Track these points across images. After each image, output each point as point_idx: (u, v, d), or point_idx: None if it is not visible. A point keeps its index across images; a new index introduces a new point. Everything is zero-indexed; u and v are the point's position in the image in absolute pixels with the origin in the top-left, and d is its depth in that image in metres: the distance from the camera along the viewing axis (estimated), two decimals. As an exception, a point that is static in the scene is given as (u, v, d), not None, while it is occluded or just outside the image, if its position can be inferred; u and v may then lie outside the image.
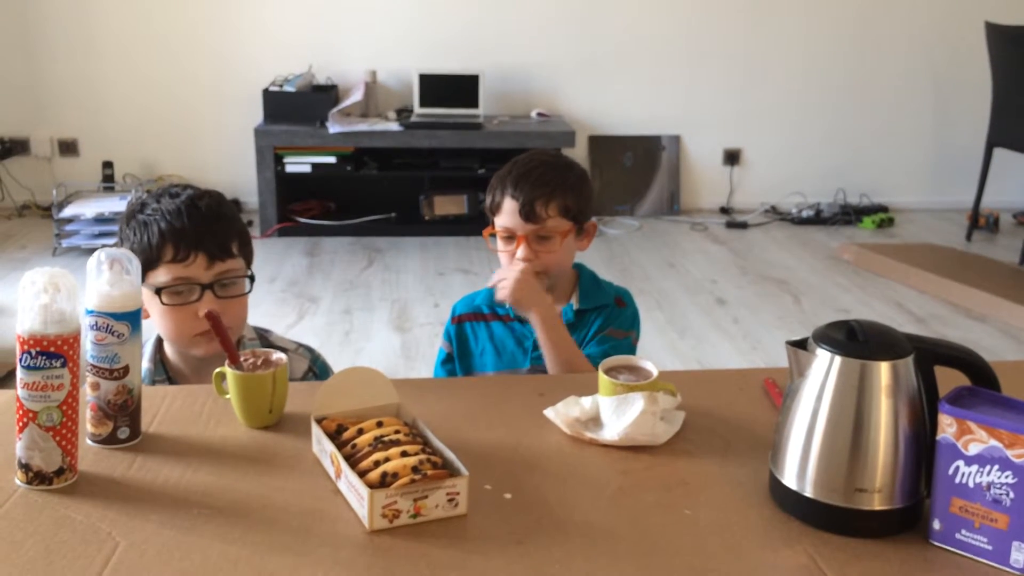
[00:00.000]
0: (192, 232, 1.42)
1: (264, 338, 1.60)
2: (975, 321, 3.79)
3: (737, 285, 4.20)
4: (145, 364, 1.52)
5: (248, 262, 1.53)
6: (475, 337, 1.75)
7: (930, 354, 1.04)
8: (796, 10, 5.23)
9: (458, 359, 1.76)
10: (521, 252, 1.64)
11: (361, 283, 4.13)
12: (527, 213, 1.63)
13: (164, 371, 1.53)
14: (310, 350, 1.60)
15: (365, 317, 3.73)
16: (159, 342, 1.54)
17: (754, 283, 4.23)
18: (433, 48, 5.04)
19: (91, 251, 1.14)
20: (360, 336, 3.53)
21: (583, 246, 1.73)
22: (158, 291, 1.43)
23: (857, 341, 1.02)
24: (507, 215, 1.65)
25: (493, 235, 1.70)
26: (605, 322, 1.70)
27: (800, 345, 1.06)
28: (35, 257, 4.31)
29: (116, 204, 4.44)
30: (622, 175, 5.27)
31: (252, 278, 1.50)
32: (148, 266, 1.42)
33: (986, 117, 4.71)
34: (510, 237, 1.66)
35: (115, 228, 4.26)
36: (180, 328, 1.45)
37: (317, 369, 1.58)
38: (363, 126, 4.72)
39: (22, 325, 1.04)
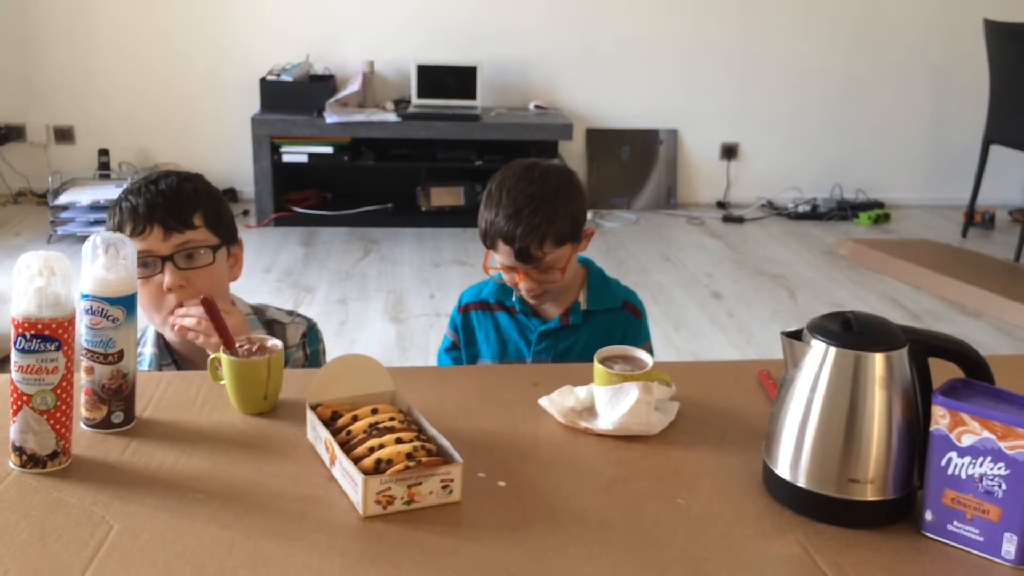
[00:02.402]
0: (145, 206, 1.46)
1: (261, 312, 1.62)
2: (970, 317, 3.80)
3: (733, 279, 4.20)
4: (150, 349, 1.55)
5: (224, 238, 1.53)
6: (480, 327, 1.75)
7: (924, 346, 1.04)
8: (795, 5, 5.23)
9: (464, 348, 1.76)
10: (525, 286, 1.62)
11: (357, 273, 4.12)
12: (523, 257, 1.59)
13: (170, 355, 1.56)
14: (306, 318, 1.65)
15: (360, 307, 3.73)
16: None
17: (750, 277, 4.24)
18: (431, 39, 5.03)
19: (86, 238, 1.14)
20: (355, 326, 3.53)
21: (582, 248, 1.70)
22: None
23: (852, 332, 1.02)
24: (504, 255, 1.62)
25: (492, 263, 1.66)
26: (626, 335, 1.68)
27: (795, 336, 1.06)
28: (30, 244, 4.30)
29: (112, 192, 4.42)
30: (619, 168, 5.27)
31: (216, 249, 1.50)
32: None
33: (983, 114, 4.71)
34: (511, 268, 1.63)
35: (111, 216, 4.28)
36: (151, 303, 1.47)
37: (311, 335, 1.62)
38: (360, 116, 4.71)
39: (17, 308, 1.03)
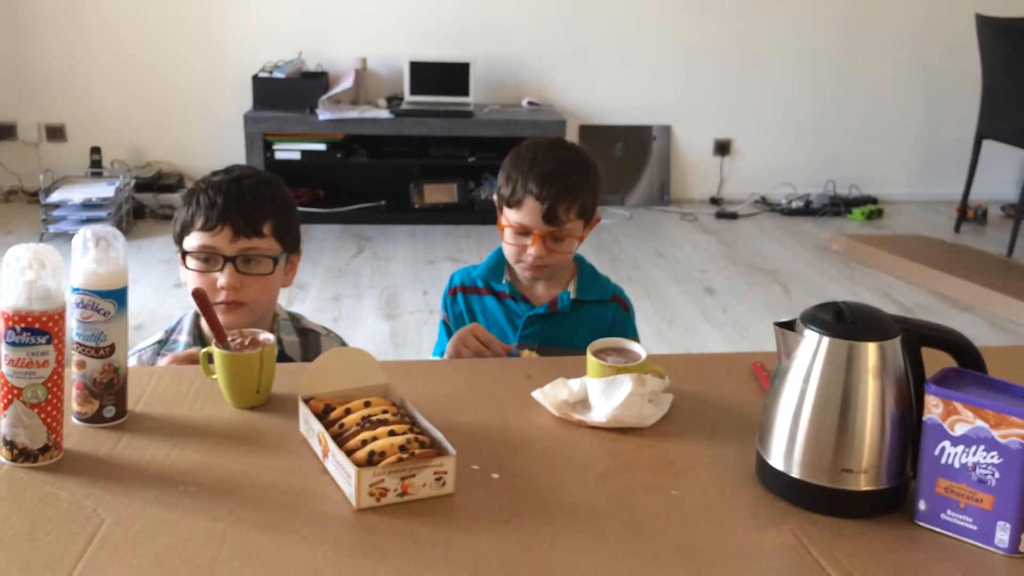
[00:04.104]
0: (223, 204, 1.49)
1: (297, 320, 1.65)
2: (962, 312, 3.80)
3: (726, 275, 4.21)
4: (185, 338, 1.57)
5: (287, 247, 1.56)
6: (468, 309, 1.76)
7: (917, 335, 1.04)
8: (788, 1, 5.23)
9: (454, 330, 1.77)
10: (535, 251, 1.63)
11: (350, 270, 4.12)
12: (551, 217, 1.61)
13: (202, 344, 1.56)
14: (338, 336, 1.68)
15: (354, 304, 3.73)
16: (196, 316, 1.58)
17: (743, 273, 4.24)
18: (424, 36, 5.02)
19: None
20: (349, 323, 3.52)
21: (585, 235, 1.72)
22: (184, 255, 1.52)
23: (845, 322, 1.02)
24: (527, 214, 1.63)
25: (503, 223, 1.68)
26: (613, 326, 1.70)
27: (788, 326, 1.06)
28: (22, 243, 4.28)
29: (104, 190, 4.41)
30: (613, 165, 5.26)
31: (276, 260, 1.53)
32: (185, 231, 1.52)
33: (976, 109, 4.72)
34: (524, 232, 1.65)
35: (102, 214, 4.27)
36: None
37: None
38: (353, 113, 4.70)
39: (6, 301, 1.03)
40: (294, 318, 1.65)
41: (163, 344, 1.58)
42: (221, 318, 1.48)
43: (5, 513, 0.97)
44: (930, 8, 5.28)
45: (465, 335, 1.57)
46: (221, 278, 1.49)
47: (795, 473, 1.03)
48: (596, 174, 1.70)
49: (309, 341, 1.62)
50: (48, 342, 1.04)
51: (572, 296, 1.71)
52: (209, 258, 1.50)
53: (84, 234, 1.12)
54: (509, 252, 1.69)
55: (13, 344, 1.03)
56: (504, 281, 1.73)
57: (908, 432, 1.02)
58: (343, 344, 1.67)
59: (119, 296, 1.13)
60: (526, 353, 1.59)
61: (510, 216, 1.66)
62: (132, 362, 1.53)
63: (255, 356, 1.21)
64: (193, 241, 1.51)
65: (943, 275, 4.05)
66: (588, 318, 1.70)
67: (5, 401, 1.05)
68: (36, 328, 1.03)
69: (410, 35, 5.02)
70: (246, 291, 1.49)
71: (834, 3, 5.26)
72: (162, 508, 0.99)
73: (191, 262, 1.52)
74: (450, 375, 1.39)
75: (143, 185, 4.74)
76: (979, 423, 0.95)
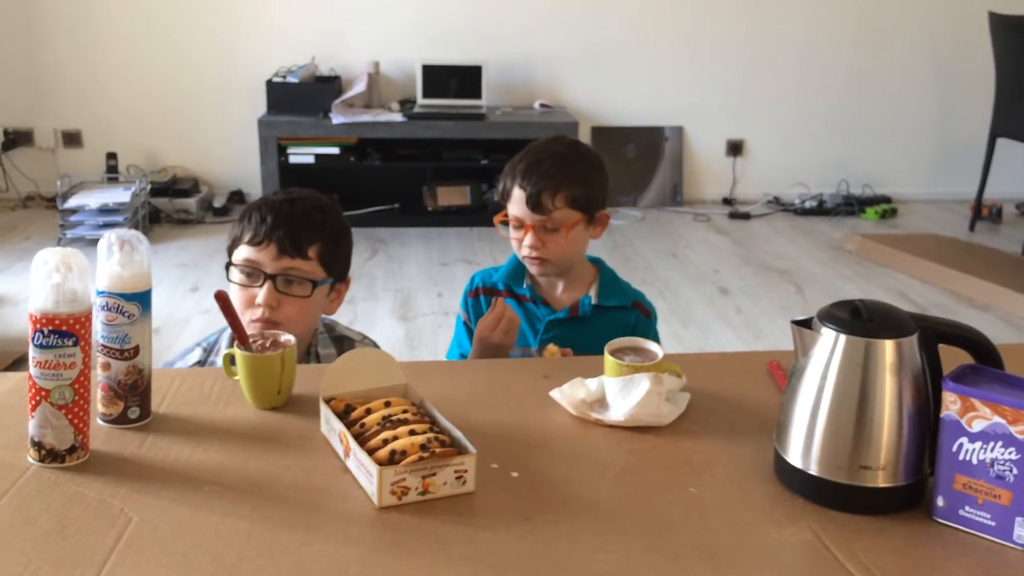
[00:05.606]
0: (272, 221, 1.51)
1: (331, 329, 1.66)
2: (978, 311, 3.79)
3: (740, 275, 4.21)
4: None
5: (333, 274, 1.57)
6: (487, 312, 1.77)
7: (934, 332, 1.04)
8: (799, 0, 5.23)
9: (474, 330, 1.78)
10: (528, 241, 1.66)
11: (364, 273, 4.14)
12: (534, 204, 1.65)
13: None
14: (374, 341, 1.69)
15: (369, 307, 3.74)
16: (232, 336, 1.57)
17: (757, 273, 4.24)
18: (436, 39, 5.05)
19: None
20: (364, 326, 3.54)
21: (596, 234, 1.74)
22: (228, 265, 1.54)
23: (862, 320, 1.03)
24: (516, 204, 1.68)
25: (503, 222, 1.72)
26: (634, 333, 1.70)
27: (805, 324, 1.06)
28: (39, 248, 4.30)
29: (120, 195, 4.45)
30: (625, 166, 5.27)
31: (317, 284, 1.53)
32: (234, 245, 1.55)
33: (989, 107, 4.70)
34: (520, 225, 1.68)
35: (119, 219, 4.31)
36: (240, 307, 1.51)
37: None
38: (366, 117, 4.72)
39: (34, 304, 1.05)
40: (329, 327, 1.66)
41: (203, 365, 1.58)
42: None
43: (35, 512, 0.99)
44: (943, 6, 5.27)
45: (492, 317, 1.60)
46: (259, 294, 1.50)
47: (813, 470, 1.04)
48: (593, 167, 1.71)
49: (344, 349, 1.61)
50: (75, 344, 1.05)
51: (593, 301, 1.72)
52: (252, 273, 1.52)
53: (109, 238, 1.14)
54: (513, 247, 1.72)
55: (41, 346, 1.05)
56: (525, 285, 1.75)
57: (926, 429, 1.02)
58: (378, 348, 1.66)
59: (143, 299, 1.14)
60: (550, 350, 1.60)
61: (509, 211, 1.71)
62: None
63: (276, 357, 1.23)
64: (239, 255, 1.54)
65: (958, 274, 4.03)
66: (609, 324, 1.70)
67: (33, 402, 1.07)
68: (63, 330, 1.04)
69: (422, 38, 5.05)
70: (283, 311, 1.50)
71: (845, 2, 5.25)
72: (187, 507, 1.00)
73: (234, 275, 1.54)
74: (468, 375, 1.40)
75: (159, 190, 4.78)
76: (997, 419, 0.95)
